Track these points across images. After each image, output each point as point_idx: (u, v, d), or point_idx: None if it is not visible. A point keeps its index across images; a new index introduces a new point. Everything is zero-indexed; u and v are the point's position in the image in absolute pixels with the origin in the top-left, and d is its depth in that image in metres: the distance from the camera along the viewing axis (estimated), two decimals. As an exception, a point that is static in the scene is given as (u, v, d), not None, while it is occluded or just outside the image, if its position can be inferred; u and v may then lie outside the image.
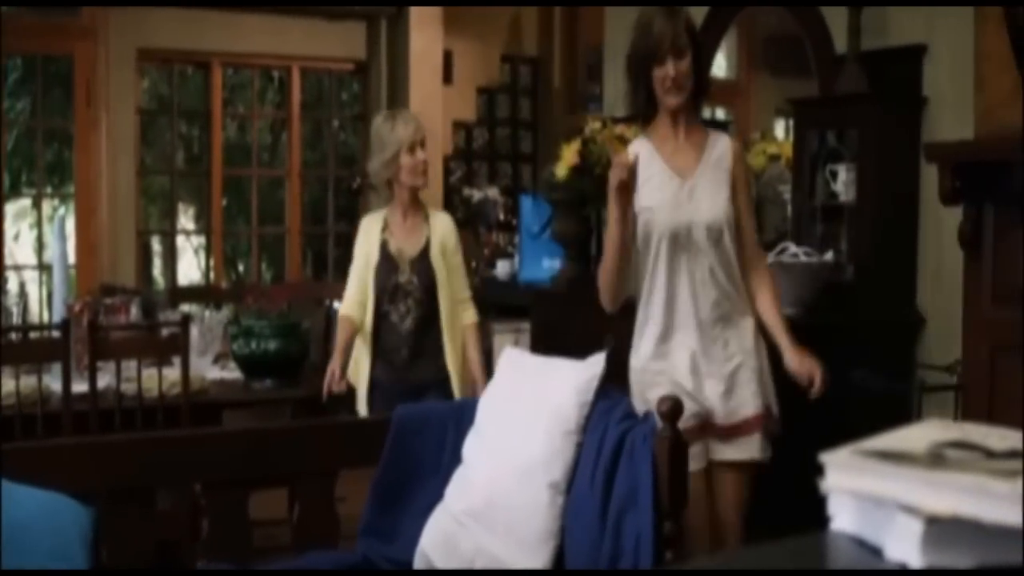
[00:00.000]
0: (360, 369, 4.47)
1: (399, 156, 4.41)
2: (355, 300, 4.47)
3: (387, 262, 4.43)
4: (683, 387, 3.34)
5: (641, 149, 3.44)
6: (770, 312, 3.43)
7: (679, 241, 3.37)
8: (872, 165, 4.26)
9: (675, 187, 3.42)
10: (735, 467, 3.42)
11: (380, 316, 4.40)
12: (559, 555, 3.32)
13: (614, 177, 3.27)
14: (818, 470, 1.18)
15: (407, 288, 4.39)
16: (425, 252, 4.39)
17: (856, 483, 1.14)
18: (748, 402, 3.39)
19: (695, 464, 3.23)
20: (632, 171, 3.29)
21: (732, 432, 3.40)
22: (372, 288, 4.43)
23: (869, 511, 1.13)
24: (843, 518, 1.16)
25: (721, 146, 3.45)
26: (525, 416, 3.39)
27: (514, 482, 3.34)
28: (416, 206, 4.49)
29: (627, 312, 4.61)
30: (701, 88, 3.43)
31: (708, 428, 3.38)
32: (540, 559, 3.28)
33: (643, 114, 3.48)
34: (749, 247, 3.45)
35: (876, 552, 1.11)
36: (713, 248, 3.37)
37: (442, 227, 4.44)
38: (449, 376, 4.37)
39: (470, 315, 4.46)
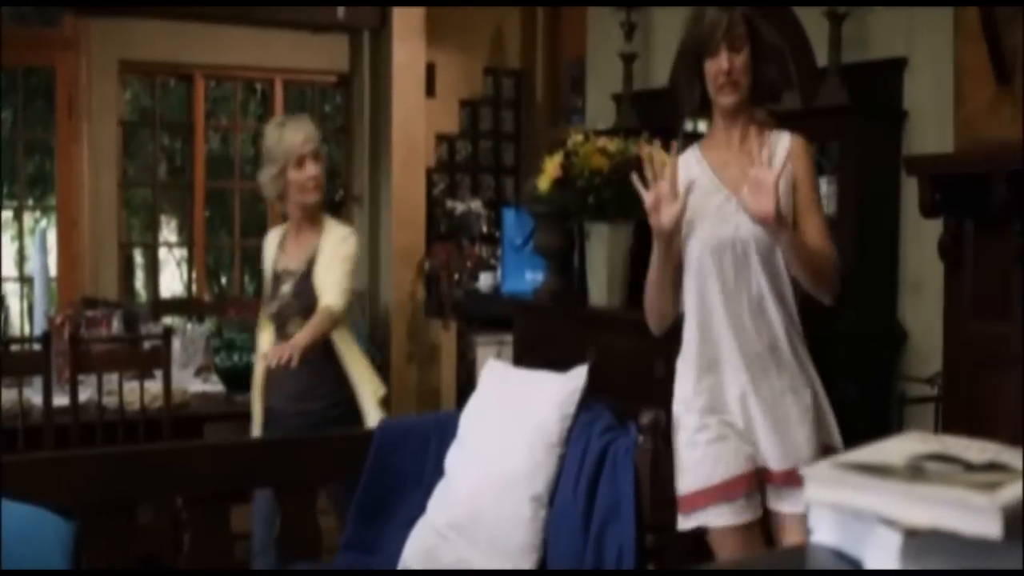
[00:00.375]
0: (255, 395, 4.15)
1: (286, 170, 4.02)
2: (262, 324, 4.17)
3: (274, 282, 4.11)
4: (735, 427, 3.02)
5: (688, 167, 3.06)
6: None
7: (724, 259, 2.98)
8: (853, 177, 4.28)
9: (721, 199, 3.02)
10: (798, 519, 2.91)
11: (278, 340, 4.03)
12: (542, 567, 3.32)
13: (648, 198, 2.96)
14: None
15: (287, 311, 4.03)
16: (308, 272, 3.99)
17: (836, 496, 1.15)
18: (803, 444, 2.97)
19: (747, 515, 2.97)
20: (671, 185, 2.94)
21: (789, 479, 2.95)
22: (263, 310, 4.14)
23: (849, 524, 1.14)
24: (823, 531, 1.17)
25: (780, 147, 2.97)
26: (507, 429, 3.39)
27: (496, 495, 3.34)
28: (312, 222, 4.08)
29: (611, 324, 4.62)
30: (763, 87, 3.05)
31: (764, 475, 2.99)
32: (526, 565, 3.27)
33: (696, 114, 3.24)
34: (819, 239, 2.97)
35: (856, 564, 1.12)
36: (764, 266, 2.96)
37: (331, 242, 4.01)
38: (352, 407, 3.99)
39: (326, 299, 3.90)
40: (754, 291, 2.96)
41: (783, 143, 2.99)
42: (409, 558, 3.30)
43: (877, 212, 4.30)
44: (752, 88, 3.02)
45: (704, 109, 3.11)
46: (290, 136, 4.01)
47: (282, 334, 4.00)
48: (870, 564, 1.10)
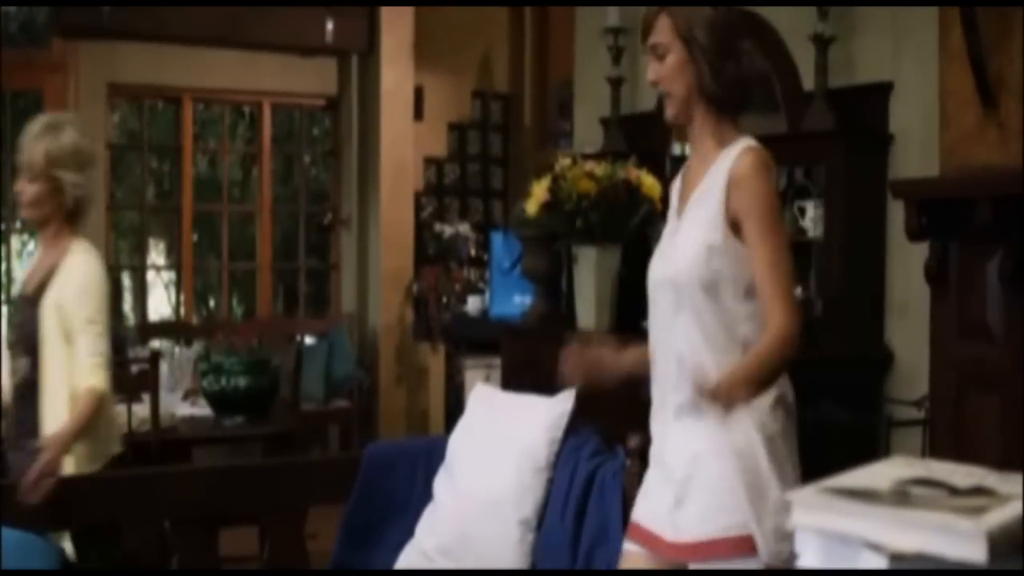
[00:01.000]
0: None
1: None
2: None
3: (13, 305, 3.68)
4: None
5: (678, 179, 2.73)
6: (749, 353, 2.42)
7: (659, 299, 2.58)
8: (840, 201, 4.30)
9: (673, 226, 2.63)
10: None
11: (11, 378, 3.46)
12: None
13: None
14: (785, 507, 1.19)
15: (12, 345, 3.48)
16: (36, 296, 3.40)
17: (822, 521, 1.16)
18: (694, 522, 2.43)
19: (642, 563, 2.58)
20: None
21: (679, 554, 2.47)
22: None
23: (835, 548, 1.15)
24: (810, 555, 1.17)
25: (724, 165, 2.50)
26: (495, 453, 3.40)
27: (484, 519, 3.34)
28: (51, 242, 3.51)
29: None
30: (717, 93, 2.53)
31: (654, 542, 2.54)
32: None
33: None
34: (762, 300, 2.42)
35: (842, 589, 1.12)
36: (696, 316, 2.47)
37: (70, 272, 3.40)
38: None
39: (89, 379, 3.26)
40: (679, 339, 2.49)
41: (727, 161, 2.50)
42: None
43: (863, 235, 4.32)
44: (702, 95, 2.54)
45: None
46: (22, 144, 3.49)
47: (12, 371, 3.45)
48: (856, 589, 1.11)
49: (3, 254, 7.49)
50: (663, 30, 2.55)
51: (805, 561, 1.17)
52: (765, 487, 2.39)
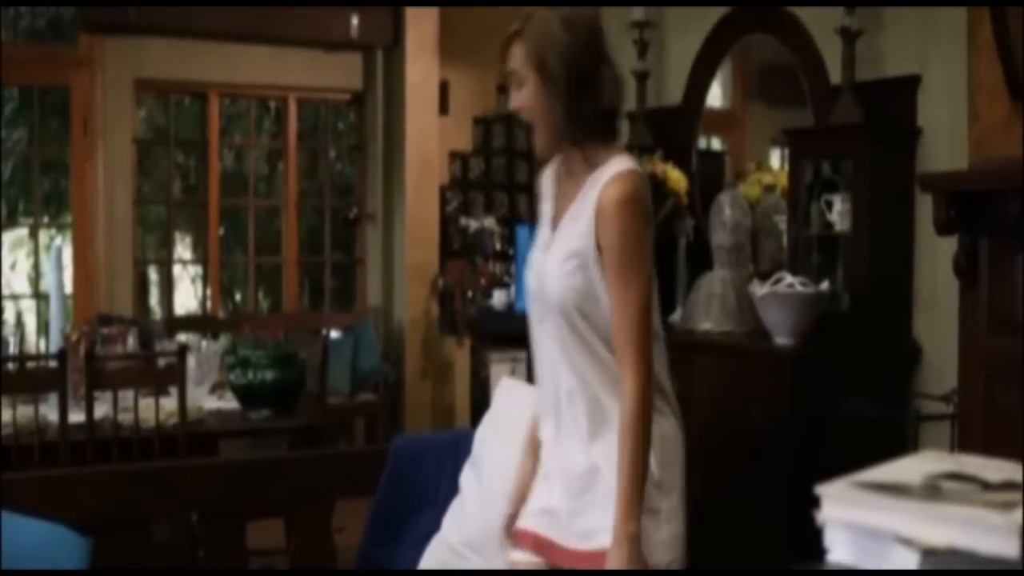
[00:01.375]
0: None
1: None
2: None
3: None
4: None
5: (547, 176, 2.65)
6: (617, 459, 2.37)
7: (542, 313, 2.53)
8: (867, 195, 4.28)
9: (544, 239, 2.56)
10: None
11: None
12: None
13: None
14: (814, 502, 1.19)
15: None
16: None
17: (853, 515, 1.15)
18: (591, 532, 2.45)
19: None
20: None
21: (577, 561, 2.48)
22: None
23: (866, 543, 1.14)
24: (840, 550, 1.17)
25: (593, 192, 2.41)
26: (521, 447, 3.39)
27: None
28: None
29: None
30: (574, 130, 2.44)
31: (549, 550, 2.54)
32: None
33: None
34: (616, 335, 2.39)
35: (873, 584, 1.12)
36: (571, 327, 2.45)
37: None
38: None
39: None
40: (556, 352, 2.49)
41: (601, 181, 2.41)
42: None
43: (891, 229, 4.30)
44: (567, 122, 2.44)
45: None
46: None
47: None
48: (887, 583, 1.10)
49: (32, 248, 7.54)
50: (518, 57, 2.45)
51: (835, 556, 1.16)
52: (655, 498, 2.42)
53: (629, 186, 2.39)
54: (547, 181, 2.62)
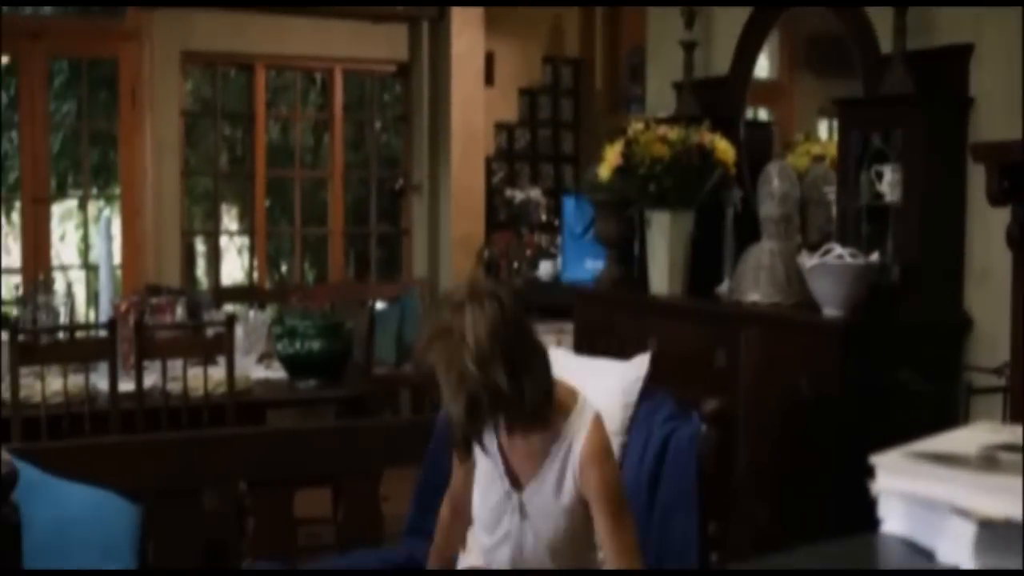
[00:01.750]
0: None
1: None
2: None
3: None
4: None
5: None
6: None
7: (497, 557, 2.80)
8: (918, 165, 4.23)
9: (500, 495, 2.77)
10: None
11: None
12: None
13: None
14: (868, 472, 1.18)
15: None
16: None
17: (908, 485, 1.14)
18: None
19: None
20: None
21: None
22: None
23: (921, 514, 1.13)
24: (894, 521, 1.15)
25: (573, 452, 2.66)
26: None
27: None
28: None
29: (672, 313, 4.61)
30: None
31: None
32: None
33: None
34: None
35: (928, 555, 1.10)
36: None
37: None
38: None
39: None
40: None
41: (578, 439, 2.66)
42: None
43: (943, 200, 4.25)
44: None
45: None
46: None
47: None
48: (943, 555, 1.09)
49: (81, 220, 7.60)
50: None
51: (890, 526, 1.15)
52: None
53: (600, 434, 2.70)
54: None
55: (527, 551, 2.78)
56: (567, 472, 2.68)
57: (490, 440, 2.75)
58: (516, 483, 2.76)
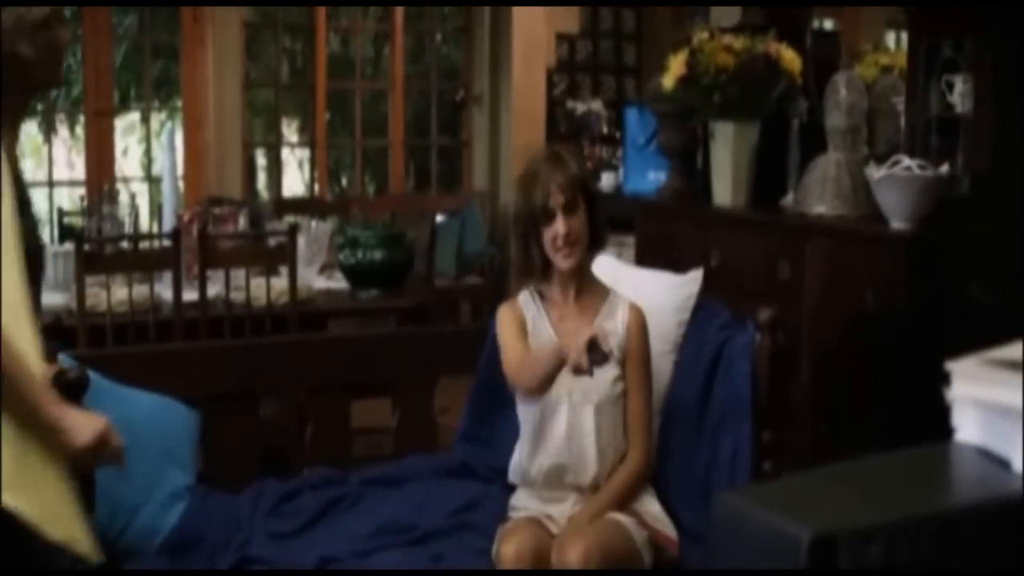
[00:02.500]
0: None
1: None
2: None
3: None
4: None
5: (528, 307, 3.12)
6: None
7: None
8: (990, 75, 4.12)
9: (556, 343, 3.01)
10: None
11: None
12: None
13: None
14: (940, 382, 1.15)
15: None
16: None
17: (983, 393, 1.11)
18: None
19: None
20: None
21: None
22: None
23: (996, 422, 1.10)
24: (968, 429, 1.13)
25: (619, 315, 3.06)
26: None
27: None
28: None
29: (735, 225, 4.56)
30: (597, 241, 3.08)
31: None
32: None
33: (540, 274, 3.07)
34: (631, 431, 3.03)
35: (1003, 464, 1.08)
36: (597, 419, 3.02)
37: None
38: None
39: None
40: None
41: (621, 311, 3.06)
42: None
43: (1014, 111, 4.14)
44: (589, 243, 3.05)
45: (546, 268, 3.05)
46: None
47: None
48: (1018, 464, 1.06)
49: (144, 133, 7.62)
50: (568, 187, 2.97)
51: (964, 435, 1.12)
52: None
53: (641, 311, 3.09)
54: (532, 305, 3.13)
55: (580, 414, 3.00)
56: (610, 336, 2.87)
57: (541, 318, 3.10)
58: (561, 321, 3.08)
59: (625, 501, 2.98)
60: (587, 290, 3.10)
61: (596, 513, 2.92)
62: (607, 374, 2.96)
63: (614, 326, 3.02)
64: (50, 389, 2.25)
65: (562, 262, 3.01)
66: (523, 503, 3.09)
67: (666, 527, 3.03)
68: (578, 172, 3.03)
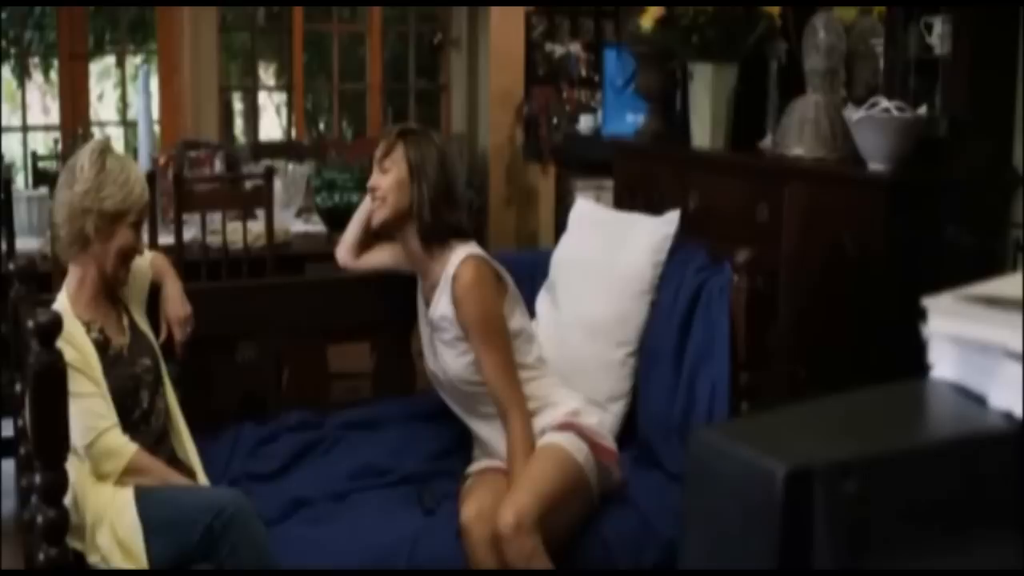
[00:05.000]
0: None
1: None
2: None
3: None
4: None
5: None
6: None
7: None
8: (970, 17, 4.11)
9: (422, 314, 3.27)
10: None
11: None
12: (631, 412, 3.32)
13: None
14: (919, 316, 1.14)
15: None
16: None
17: (960, 329, 1.10)
18: None
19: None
20: None
21: None
22: None
23: (972, 358, 1.09)
24: (944, 365, 1.12)
25: (447, 294, 3.09)
26: (596, 275, 3.36)
27: (584, 342, 3.33)
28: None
29: (714, 167, 4.55)
30: (427, 226, 3.10)
31: None
32: (610, 415, 3.29)
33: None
34: (496, 397, 3.03)
35: (979, 400, 1.07)
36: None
37: None
38: None
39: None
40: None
41: (446, 288, 3.08)
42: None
43: (993, 54, 4.13)
44: (419, 216, 3.11)
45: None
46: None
47: None
48: (995, 400, 1.06)
49: (119, 78, 7.52)
50: (397, 151, 3.12)
51: (940, 371, 1.12)
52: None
53: (475, 267, 3.05)
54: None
55: (449, 372, 3.13)
56: (446, 302, 3.06)
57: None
58: (427, 303, 3.19)
59: (528, 450, 2.97)
60: (432, 273, 3.16)
61: (520, 474, 2.91)
62: (460, 360, 3.07)
63: (445, 307, 3.07)
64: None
65: (374, 216, 3.22)
66: (478, 455, 3.16)
67: (604, 439, 3.07)
68: (414, 148, 3.12)
